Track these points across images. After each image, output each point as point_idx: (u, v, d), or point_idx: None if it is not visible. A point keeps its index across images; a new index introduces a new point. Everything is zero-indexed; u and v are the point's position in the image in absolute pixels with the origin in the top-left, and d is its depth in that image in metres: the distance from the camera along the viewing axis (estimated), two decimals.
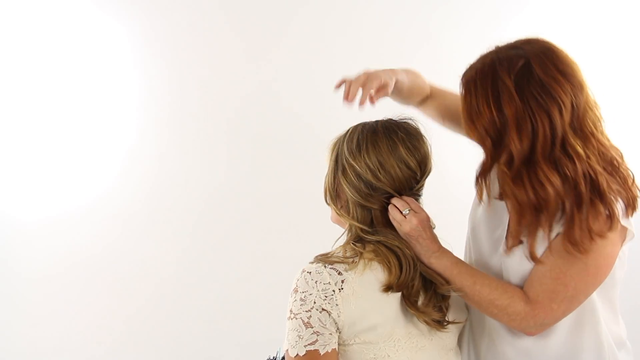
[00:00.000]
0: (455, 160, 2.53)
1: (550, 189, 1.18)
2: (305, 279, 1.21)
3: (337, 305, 1.19)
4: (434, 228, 1.33)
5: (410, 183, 1.30)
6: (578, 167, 1.18)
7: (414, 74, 1.53)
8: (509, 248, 1.30)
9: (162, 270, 2.86)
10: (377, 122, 1.33)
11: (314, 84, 2.78)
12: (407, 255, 1.26)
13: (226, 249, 2.84)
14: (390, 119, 1.34)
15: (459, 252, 1.42)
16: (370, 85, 1.35)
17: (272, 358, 1.47)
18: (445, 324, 1.29)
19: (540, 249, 1.25)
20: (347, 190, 1.29)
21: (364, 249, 1.26)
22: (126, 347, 2.87)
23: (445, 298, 1.30)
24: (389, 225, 1.30)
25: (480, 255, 1.41)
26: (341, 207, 1.33)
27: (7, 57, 2.83)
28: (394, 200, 1.28)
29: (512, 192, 1.21)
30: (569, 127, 1.19)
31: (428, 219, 1.30)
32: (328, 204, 1.37)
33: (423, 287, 1.28)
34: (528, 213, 1.22)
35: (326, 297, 1.19)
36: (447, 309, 1.31)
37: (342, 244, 1.32)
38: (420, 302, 1.26)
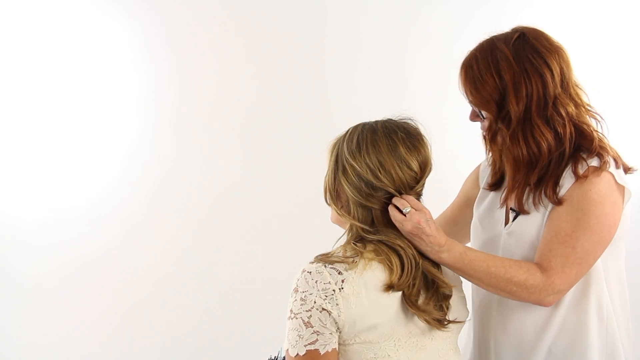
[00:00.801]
0: (455, 160, 2.53)
1: (544, 145, 1.32)
2: (306, 278, 1.21)
3: (337, 305, 1.19)
4: None
5: (411, 182, 1.29)
6: (567, 125, 1.32)
7: None
8: (502, 202, 1.43)
9: (162, 269, 2.86)
10: (376, 122, 1.33)
11: (315, 84, 2.79)
12: (409, 255, 1.26)
13: (226, 248, 2.85)
14: (390, 119, 1.34)
15: None
16: None
17: (273, 358, 1.47)
18: (446, 323, 1.29)
19: (528, 204, 1.37)
20: (348, 190, 1.29)
21: (365, 248, 1.26)
22: (126, 345, 2.87)
23: (446, 297, 1.30)
24: (390, 224, 1.29)
25: (486, 241, 1.48)
26: (342, 207, 1.33)
27: (7, 57, 2.83)
28: (394, 200, 1.28)
29: (509, 149, 1.35)
30: (560, 89, 1.33)
31: (430, 215, 1.30)
32: (328, 204, 1.37)
33: (424, 286, 1.28)
34: (522, 167, 1.35)
35: (326, 296, 1.19)
36: (447, 308, 1.30)
37: (342, 243, 1.32)
38: (420, 301, 1.26)
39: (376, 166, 1.26)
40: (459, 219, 1.66)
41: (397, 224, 1.28)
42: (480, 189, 1.58)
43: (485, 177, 1.56)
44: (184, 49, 2.81)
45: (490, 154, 1.49)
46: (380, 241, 1.27)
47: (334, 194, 1.33)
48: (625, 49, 2.72)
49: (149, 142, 2.84)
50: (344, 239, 1.34)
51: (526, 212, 1.38)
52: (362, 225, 1.29)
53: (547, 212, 1.35)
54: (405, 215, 1.26)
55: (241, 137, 2.82)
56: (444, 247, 1.28)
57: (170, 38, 2.81)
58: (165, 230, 2.86)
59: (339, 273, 1.22)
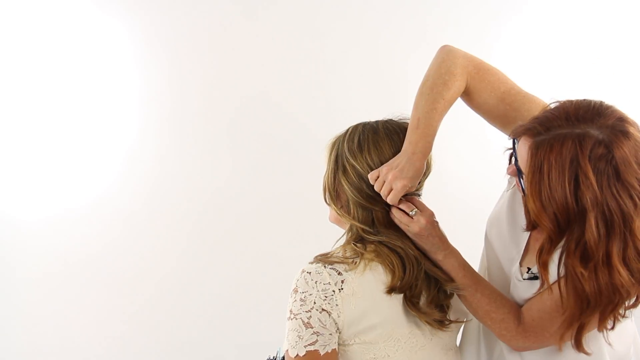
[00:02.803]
0: (453, 160, 2.53)
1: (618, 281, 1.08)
2: (305, 279, 1.21)
3: (337, 305, 1.19)
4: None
5: None
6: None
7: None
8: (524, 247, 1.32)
9: (162, 269, 2.86)
10: (377, 122, 1.33)
11: (314, 84, 2.78)
12: (410, 256, 1.26)
13: (226, 248, 2.84)
14: (390, 120, 1.34)
15: (459, 247, 1.41)
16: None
17: (272, 358, 1.47)
18: (447, 323, 1.29)
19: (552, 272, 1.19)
20: (348, 190, 1.29)
21: (365, 249, 1.26)
22: (126, 346, 2.87)
23: (447, 297, 1.30)
24: (390, 225, 1.29)
25: (494, 266, 1.42)
26: (341, 207, 1.32)
27: (7, 56, 2.83)
28: (400, 204, 1.28)
29: (576, 280, 1.10)
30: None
31: (434, 216, 1.30)
32: (328, 204, 1.36)
33: (426, 286, 1.28)
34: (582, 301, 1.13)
35: (326, 297, 1.19)
36: (448, 308, 1.31)
37: (342, 244, 1.32)
38: (422, 302, 1.26)
39: (377, 166, 1.26)
40: None
41: (402, 226, 1.28)
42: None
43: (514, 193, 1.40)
44: (183, 48, 2.81)
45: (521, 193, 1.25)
46: (380, 242, 1.27)
47: (334, 194, 1.33)
48: (625, 49, 2.72)
49: (149, 141, 2.84)
50: (343, 239, 1.34)
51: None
52: (362, 226, 1.28)
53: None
54: (412, 218, 1.26)
55: (241, 136, 2.82)
56: (445, 252, 1.29)
57: (169, 37, 2.81)
58: (166, 230, 2.85)
59: (339, 274, 1.21)
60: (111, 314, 2.87)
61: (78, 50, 2.82)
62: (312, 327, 1.18)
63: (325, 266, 1.22)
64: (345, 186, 1.29)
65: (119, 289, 2.86)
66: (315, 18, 2.78)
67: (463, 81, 1.35)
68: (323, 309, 1.18)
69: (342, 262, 1.23)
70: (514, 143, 1.18)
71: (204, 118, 2.83)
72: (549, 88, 1.49)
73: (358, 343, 1.22)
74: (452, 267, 1.29)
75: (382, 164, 1.26)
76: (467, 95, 1.41)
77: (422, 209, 1.28)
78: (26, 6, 2.80)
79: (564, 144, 1.06)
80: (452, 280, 1.28)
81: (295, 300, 1.20)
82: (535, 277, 1.28)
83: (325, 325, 1.19)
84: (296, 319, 1.19)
